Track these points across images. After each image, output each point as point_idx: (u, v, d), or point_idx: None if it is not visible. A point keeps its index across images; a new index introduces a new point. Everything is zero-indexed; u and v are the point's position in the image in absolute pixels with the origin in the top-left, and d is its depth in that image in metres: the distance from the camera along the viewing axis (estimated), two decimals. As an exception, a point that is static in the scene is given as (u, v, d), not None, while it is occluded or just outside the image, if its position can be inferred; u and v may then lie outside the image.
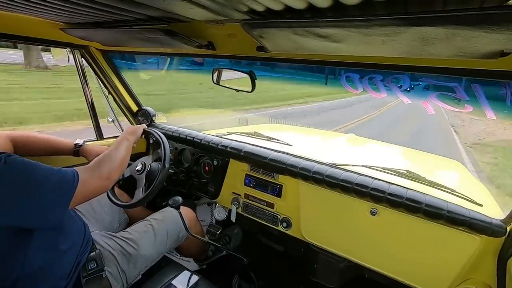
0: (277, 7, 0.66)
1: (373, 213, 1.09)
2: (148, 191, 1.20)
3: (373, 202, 1.07)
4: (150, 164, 1.32)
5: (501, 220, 0.91)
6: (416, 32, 0.56)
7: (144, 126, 1.29)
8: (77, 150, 1.26)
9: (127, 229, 1.20)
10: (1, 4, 0.85)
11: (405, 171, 1.15)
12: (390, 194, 1.02)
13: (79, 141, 1.27)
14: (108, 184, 0.94)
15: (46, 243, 0.86)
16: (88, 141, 1.34)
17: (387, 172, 1.17)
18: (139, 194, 1.23)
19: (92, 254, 1.00)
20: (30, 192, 0.73)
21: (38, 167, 0.77)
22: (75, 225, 1.00)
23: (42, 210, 0.76)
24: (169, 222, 1.28)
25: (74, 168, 0.85)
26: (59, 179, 0.79)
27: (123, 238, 1.13)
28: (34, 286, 0.84)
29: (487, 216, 0.92)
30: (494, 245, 0.92)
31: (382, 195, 1.03)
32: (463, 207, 0.95)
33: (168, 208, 1.33)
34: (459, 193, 1.04)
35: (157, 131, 1.32)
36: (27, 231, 0.78)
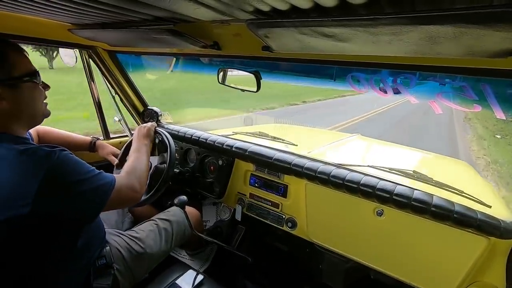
0: (282, 6, 0.65)
1: (379, 214, 1.08)
2: (149, 194, 1.22)
3: (379, 202, 1.06)
4: (155, 166, 1.33)
5: (510, 222, 0.89)
6: (424, 31, 0.56)
7: (155, 124, 1.32)
8: (92, 146, 1.34)
9: (134, 228, 1.21)
10: (10, 5, 0.86)
11: (411, 172, 1.14)
12: (396, 194, 1.01)
13: (96, 137, 1.36)
14: (139, 197, 0.97)
15: (69, 238, 0.86)
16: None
17: (393, 173, 1.16)
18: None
19: (102, 250, 1.01)
20: (72, 187, 0.75)
21: (84, 165, 0.81)
22: (96, 221, 1.00)
23: (79, 207, 0.78)
24: (174, 221, 1.29)
25: (114, 175, 0.88)
26: (99, 180, 0.82)
27: (130, 237, 1.14)
28: (49, 280, 0.84)
29: (496, 217, 0.90)
30: (503, 247, 0.91)
31: (388, 195, 1.02)
32: (471, 208, 0.93)
33: (173, 208, 1.34)
34: (467, 194, 1.02)
35: (166, 134, 1.34)
36: (55, 224, 0.78)
